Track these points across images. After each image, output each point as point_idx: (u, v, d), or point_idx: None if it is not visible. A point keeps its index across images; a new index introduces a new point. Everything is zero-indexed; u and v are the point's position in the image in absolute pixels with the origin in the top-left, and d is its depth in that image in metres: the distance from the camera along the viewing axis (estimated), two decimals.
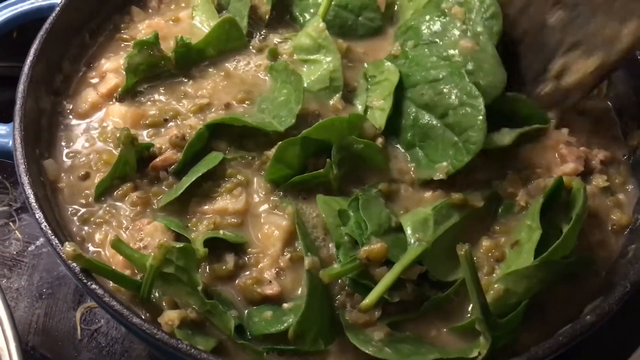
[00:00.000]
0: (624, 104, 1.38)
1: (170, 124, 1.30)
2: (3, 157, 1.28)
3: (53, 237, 1.09)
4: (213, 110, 1.32)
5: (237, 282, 1.11)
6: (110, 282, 1.10)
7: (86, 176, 1.25)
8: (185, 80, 1.38)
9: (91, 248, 1.18)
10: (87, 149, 1.30)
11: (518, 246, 1.12)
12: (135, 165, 1.23)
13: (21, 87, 1.26)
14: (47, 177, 1.23)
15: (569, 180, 1.15)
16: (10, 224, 1.57)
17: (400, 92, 1.27)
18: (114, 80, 1.37)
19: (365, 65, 1.39)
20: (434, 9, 1.35)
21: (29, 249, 1.54)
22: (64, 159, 1.29)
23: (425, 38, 1.32)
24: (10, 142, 1.22)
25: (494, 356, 1.01)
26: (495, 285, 1.06)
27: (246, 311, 1.09)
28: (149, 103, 1.35)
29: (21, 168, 1.16)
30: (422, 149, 1.24)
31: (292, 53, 1.40)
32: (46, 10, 1.45)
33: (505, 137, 1.23)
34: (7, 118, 1.30)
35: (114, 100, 1.35)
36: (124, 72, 1.35)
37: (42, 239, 1.54)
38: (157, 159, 1.23)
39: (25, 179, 1.15)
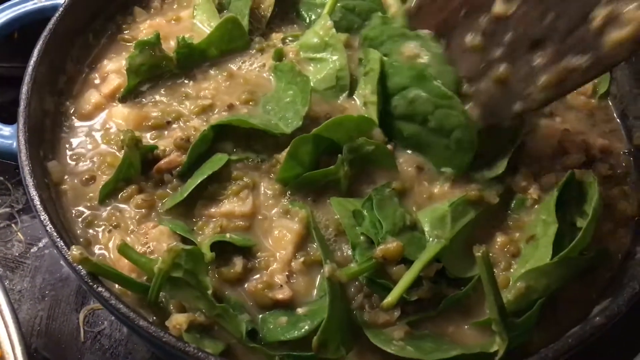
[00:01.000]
0: (628, 105, 1.38)
1: (174, 125, 1.29)
2: (7, 158, 1.27)
3: (59, 239, 1.08)
4: (216, 111, 1.31)
5: (247, 286, 1.11)
6: (116, 285, 1.09)
7: (90, 179, 1.25)
8: (187, 81, 1.38)
9: (96, 251, 1.17)
10: (90, 151, 1.29)
11: (534, 241, 1.13)
12: (139, 167, 1.22)
13: (25, 88, 1.25)
14: (51, 179, 1.23)
15: (580, 173, 1.15)
16: (12, 225, 1.57)
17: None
18: (117, 81, 1.36)
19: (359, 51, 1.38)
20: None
21: (32, 250, 1.54)
22: (68, 160, 1.28)
23: (378, 47, 1.31)
24: (14, 144, 1.21)
25: (508, 356, 1.01)
26: (518, 284, 1.06)
27: (260, 316, 1.08)
28: (150, 104, 1.34)
29: (26, 170, 1.16)
30: (423, 155, 1.24)
31: (298, 51, 1.39)
32: (49, 11, 1.44)
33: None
34: (8, 118, 1.31)
35: (116, 101, 1.35)
36: (126, 73, 1.34)
37: (44, 241, 1.54)
38: (162, 162, 1.22)
39: (30, 181, 1.14)
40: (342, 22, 1.43)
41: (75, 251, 1.02)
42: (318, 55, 1.37)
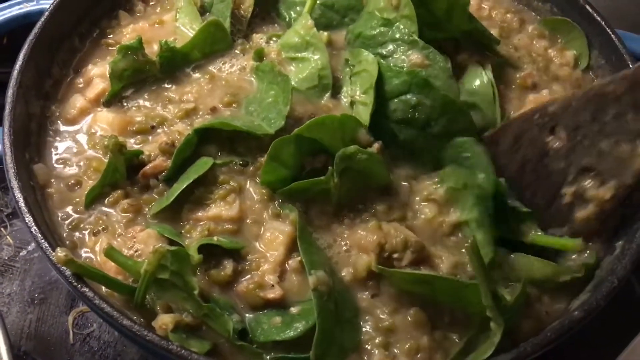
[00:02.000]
0: None
1: (158, 130, 1.29)
2: None
3: (43, 240, 1.09)
4: (199, 115, 1.31)
5: (237, 287, 1.11)
6: (103, 287, 1.09)
7: (76, 184, 1.25)
8: (170, 85, 1.37)
9: (82, 254, 1.18)
10: (76, 156, 1.29)
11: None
12: (125, 172, 1.22)
13: (10, 92, 1.26)
14: (37, 182, 1.23)
15: None
16: (2, 229, 1.57)
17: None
18: (101, 85, 1.37)
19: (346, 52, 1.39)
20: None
21: (21, 254, 1.54)
22: (54, 164, 1.28)
23: (376, 47, 1.32)
24: (0, 147, 1.22)
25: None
26: None
27: (251, 315, 1.09)
28: (134, 109, 1.34)
29: (11, 172, 1.17)
30: (414, 160, 1.25)
31: (279, 51, 1.39)
32: (35, 15, 1.45)
33: None
34: None
35: (101, 106, 1.35)
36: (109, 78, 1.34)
37: (33, 244, 1.54)
38: (147, 167, 1.23)
39: (15, 183, 1.15)
40: (321, 20, 1.43)
41: (60, 253, 1.03)
42: (300, 55, 1.36)
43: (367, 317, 1.10)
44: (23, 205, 1.13)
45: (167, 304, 1.08)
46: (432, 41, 1.29)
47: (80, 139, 1.31)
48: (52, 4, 1.40)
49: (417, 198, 1.21)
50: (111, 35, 1.50)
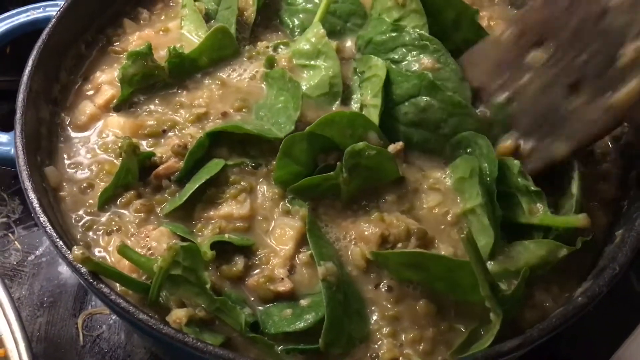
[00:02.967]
0: None
1: (170, 134, 1.32)
2: (5, 164, 1.30)
3: (58, 239, 1.10)
4: (210, 119, 1.34)
5: (248, 281, 1.13)
6: (118, 285, 1.11)
7: (88, 187, 1.27)
8: (180, 90, 1.40)
9: (96, 253, 1.19)
10: (88, 160, 1.31)
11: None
12: (137, 173, 1.24)
13: (21, 97, 1.28)
14: (49, 184, 1.25)
15: None
16: (9, 235, 1.59)
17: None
18: (110, 92, 1.39)
19: (354, 60, 1.41)
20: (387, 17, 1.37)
21: (29, 258, 1.56)
22: (66, 169, 1.30)
23: (387, 53, 1.34)
24: (12, 150, 1.24)
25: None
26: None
27: (262, 308, 1.11)
28: (145, 114, 1.36)
29: (24, 174, 1.18)
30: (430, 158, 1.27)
31: (289, 58, 1.41)
32: (42, 22, 1.47)
33: None
34: (5, 130, 1.33)
35: (111, 111, 1.37)
36: (119, 84, 1.37)
37: (41, 249, 1.57)
38: (160, 168, 1.25)
39: (28, 185, 1.17)
40: (325, 26, 1.43)
41: (77, 251, 1.05)
42: (311, 63, 1.39)
43: (373, 308, 1.12)
44: (37, 205, 1.14)
45: (180, 299, 1.09)
46: None
47: (91, 143, 1.33)
48: (59, 10, 1.43)
49: (425, 186, 1.24)
50: (117, 43, 1.53)
